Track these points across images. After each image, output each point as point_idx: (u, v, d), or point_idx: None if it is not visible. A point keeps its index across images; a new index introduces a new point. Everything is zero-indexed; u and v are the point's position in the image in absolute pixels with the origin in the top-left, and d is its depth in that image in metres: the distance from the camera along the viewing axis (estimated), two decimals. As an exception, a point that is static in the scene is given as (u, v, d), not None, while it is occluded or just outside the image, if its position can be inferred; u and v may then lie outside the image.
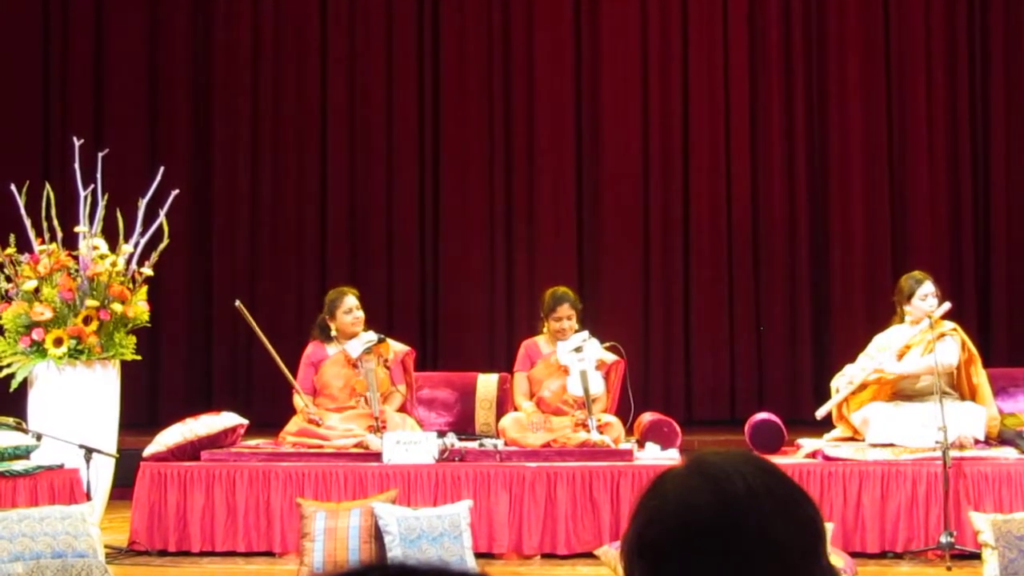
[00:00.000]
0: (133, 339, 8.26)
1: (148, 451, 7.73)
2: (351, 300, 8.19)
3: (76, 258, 8.16)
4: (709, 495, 1.63)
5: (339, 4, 11.55)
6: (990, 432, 7.71)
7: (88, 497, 7.17)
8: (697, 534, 1.62)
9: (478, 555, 7.04)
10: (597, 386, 7.97)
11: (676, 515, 1.64)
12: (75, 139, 8.50)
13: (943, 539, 6.95)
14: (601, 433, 7.75)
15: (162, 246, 8.32)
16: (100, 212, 8.25)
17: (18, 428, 7.58)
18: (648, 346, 11.13)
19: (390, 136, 11.51)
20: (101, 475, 7.76)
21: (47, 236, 8.14)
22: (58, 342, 7.96)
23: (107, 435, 8.03)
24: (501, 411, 8.38)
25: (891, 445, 7.55)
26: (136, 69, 11.53)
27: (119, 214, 8.30)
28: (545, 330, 8.22)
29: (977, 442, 7.55)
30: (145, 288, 8.33)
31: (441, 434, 7.80)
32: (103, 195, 8.27)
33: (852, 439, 7.85)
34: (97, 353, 8.04)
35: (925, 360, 7.71)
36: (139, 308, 8.24)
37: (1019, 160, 11.20)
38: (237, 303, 8.19)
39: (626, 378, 8.20)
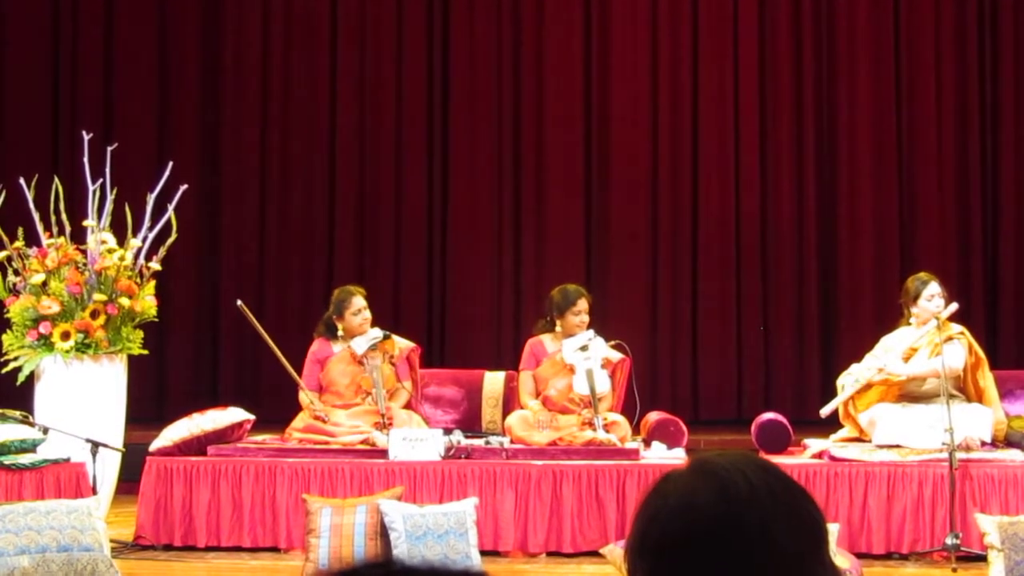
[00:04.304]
0: (140, 334, 8.27)
1: (154, 446, 7.74)
2: (359, 301, 8.18)
3: (84, 252, 8.17)
4: (711, 494, 1.64)
5: (349, 4, 11.55)
6: (997, 436, 7.70)
7: (94, 491, 7.18)
8: (699, 533, 1.63)
9: (483, 553, 7.04)
10: (603, 385, 7.97)
11: (678, 514, 1.64)
12: (84, 133, 8.51)
13: (949, 541, 6.95)
14: (607, 432, 7.75)
15: (170, 241, 8.33)
16: (108, 206, 8.26)
17: (25, 422, 7.59)
18: (656, 345, 11.12)
19: (399, 135, 11.50)
20: (107, 469, 7.77)
21: (55, 230, 8.15)
22: (65, 336, 7.97)
23: (113, 429, 8.04)
24: (507, 409, 8.37)
25: (898, 446, 7.54)
26: (146, 64, 11.54)
27: (127, 208, 8.32)
28: (558, 328, 8.20)
29: (984, 444, 7.53)
30: (153, 283, 8.34)
31: (447, 431, 7.80)
32: (112, 189, 8.28)
33: (859, 440, 7.84)
34: (104, 347, 8.05)
35: (931, 363, 7.69)
36: (146, 303, 8.25)
37: (1028, 162, 11.19)
38: (239, 303, 8.18)
39: (632, 376, 8.19)
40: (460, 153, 11.48)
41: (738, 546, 1.62)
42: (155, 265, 8.31)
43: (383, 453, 7.58)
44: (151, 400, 10.71)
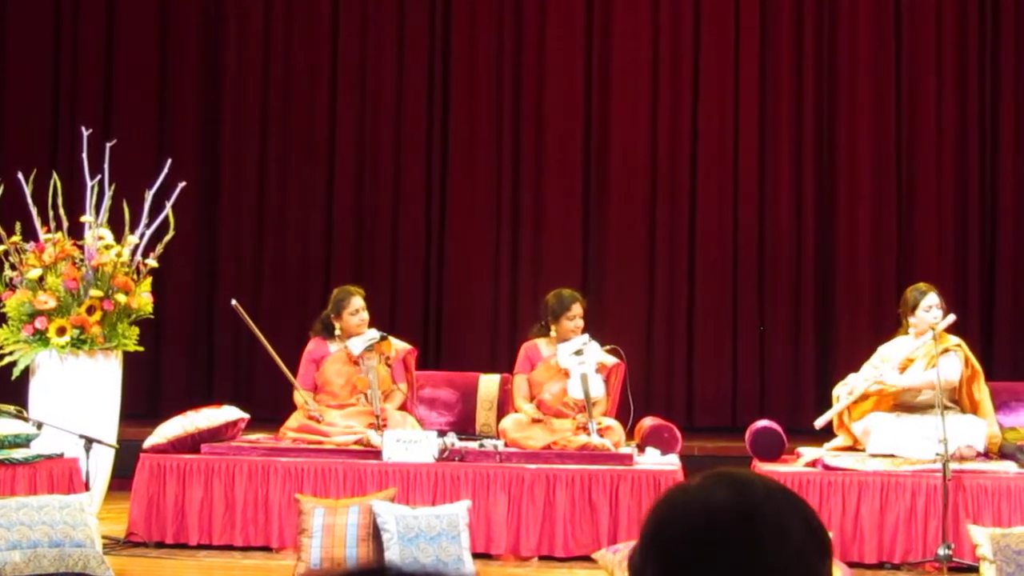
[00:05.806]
0: (136, 330, 8.27)
1: (148, 443, 7.73)
2: (358, 301, 8.17)
3: (81, 248, 8.17)
4: (728, 497, 1.66)
5: (351, 4, 11.55)
6: (991, 448, 7.70)
7: (87, 487, 7.17)
8: (715, 533, 1.64)
9: (476, 556, 7.04)
10: (597, 389, 7.96)
11: (695, 514, 1.66)
12: (83, 129, 8.51)
13: (941, 551, 6.95)
14: (601, 437, 7.75)
15: (167, 238, 8.33)
16: (106, 202, 8.26)
17: (19, 416, 7.58)
18: (651, 351, 11.12)
19: (398, 136, 11.51)
20: (100, 465, 7.76)
21: (53, 225, 8.15)
22: (61, 331, 7.96)
23: (107, 425, 8.04)
24: (502, 412, 8.37)
25: (891, 456, 7.54)
26: (146, 60, 11.54)
27: (125, 205, 8.31)
28: (553, 332, 8.20)
29: (978, 455, 7.53)
30: (149, 279, 8.33)
31: (441, 433, 7.80)
32: (110, 185, 8.29)
33: (853, 449, 7.84)
34: (100, 343, 8.05)
35: (927, 375, 7.68)
36: (143, 299, 8.24)
37: (1027, 174, 11.20)
38: (233, 302, 8.16)
39: (626, 381, 8.19)
40: (459, 153, 11.48)
41: (753, 548, 1.63)
42: (152, 262, 8.31)
43: (377, 454, 7.58)
44: (146, 397, 10.71)
